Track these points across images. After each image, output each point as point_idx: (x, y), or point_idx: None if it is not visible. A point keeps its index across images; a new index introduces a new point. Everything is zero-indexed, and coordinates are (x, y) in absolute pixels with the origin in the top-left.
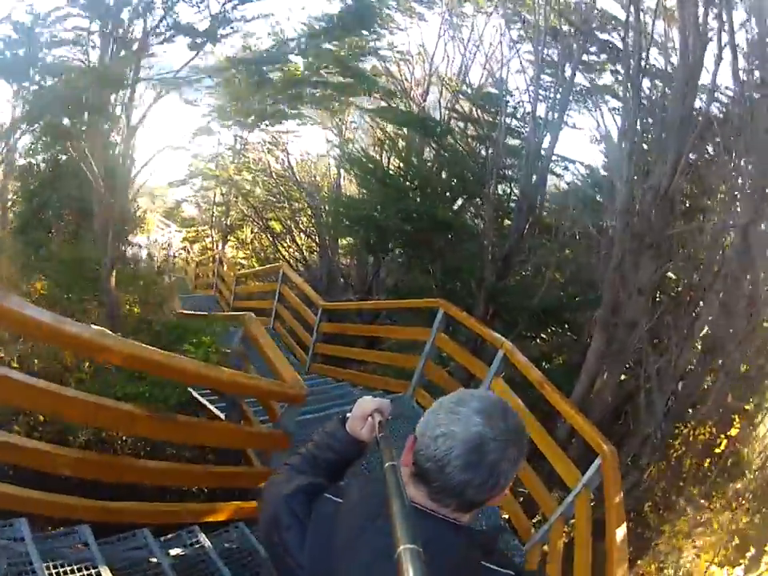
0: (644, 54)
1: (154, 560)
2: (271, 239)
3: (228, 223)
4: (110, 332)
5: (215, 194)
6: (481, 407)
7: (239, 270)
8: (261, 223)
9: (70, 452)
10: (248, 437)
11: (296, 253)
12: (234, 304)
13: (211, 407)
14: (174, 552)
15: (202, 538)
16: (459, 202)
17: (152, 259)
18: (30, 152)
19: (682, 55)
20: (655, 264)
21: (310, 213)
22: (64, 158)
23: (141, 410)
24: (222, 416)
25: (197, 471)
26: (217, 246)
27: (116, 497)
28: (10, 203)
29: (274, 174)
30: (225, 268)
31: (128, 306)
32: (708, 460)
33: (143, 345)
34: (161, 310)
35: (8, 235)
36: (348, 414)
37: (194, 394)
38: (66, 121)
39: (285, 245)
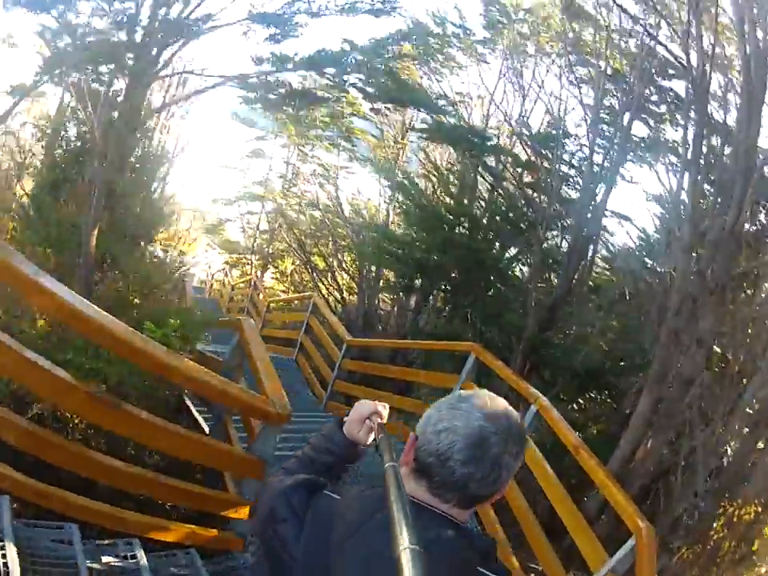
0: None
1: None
2: (311, 274)
3: (270, 251)
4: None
5: (260, 219)
6: (482, 403)
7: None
8: (303, 256)
9: (21, 421)
10: (212, 453)
11: (335, 291)
12: (262, 332)
13: (198, 417)
14: (105, 559)
15: (140, 554)
16: (509, 250)
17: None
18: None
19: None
20: (718, 312)
21: (353, 252)
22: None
23: (82, 385)
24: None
25: (150, 479)
26: (256, 272)
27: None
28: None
29: (321, 207)
30: (258, 294)
31: (121, 289)
32: (750, 543)
33: (82, 299)
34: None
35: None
36: (345, 418)
37: (187, 402)
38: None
39: (325, 281)
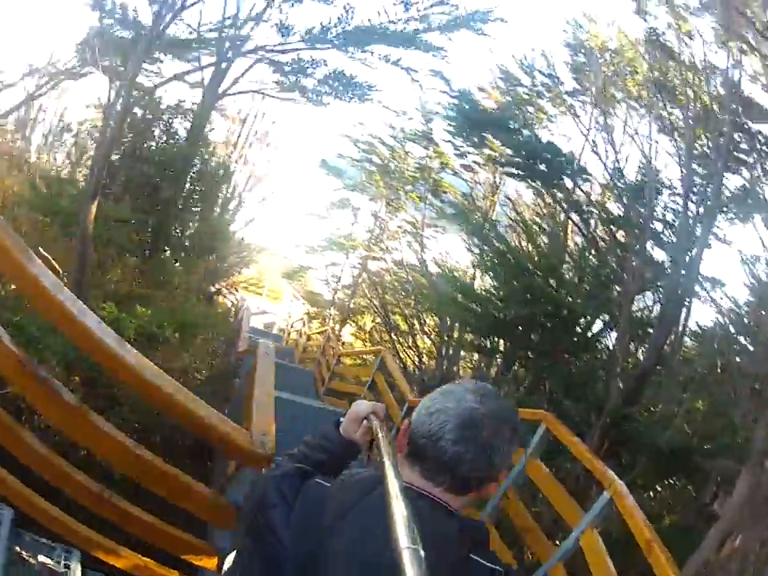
0: None
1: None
2: (390, 334)
3: (351, 306)
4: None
5: (342, 272)
6: (474, 388)
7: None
8: (384, 314)
9: None
10: (173, 487)
11: (414, 354)
12: (328, 385)
13: None
14: (37, 556)
15: (75, 565)
16: (596, 311)
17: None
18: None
19: None
20: None
21: (436, 315)
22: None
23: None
24: None
25: (98, 494)
26: (333, 325)
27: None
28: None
29: (406, 264)
30: (331, 346)
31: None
32: None
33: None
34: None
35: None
36: (341, 418)
37: None
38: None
39: (404, 343)
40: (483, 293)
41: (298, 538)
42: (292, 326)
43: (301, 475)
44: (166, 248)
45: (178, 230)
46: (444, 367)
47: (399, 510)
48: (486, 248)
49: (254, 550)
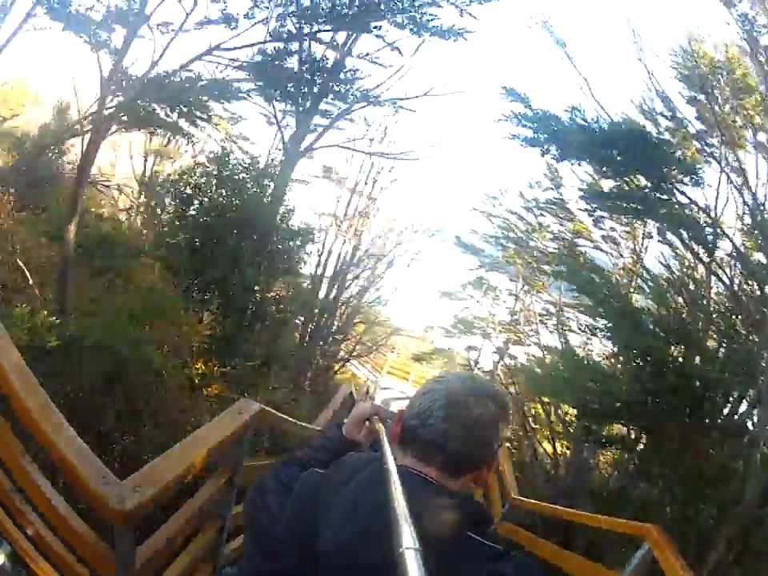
0: None
1: None
2: (526, 426)
3: None
4: None
5: (480, 355)
6: (464, 375)
7: None
8: (520, 402)
9: None
10: (63, 526)
11: (548, 444)
12: None
13: None
14: None
15: (3, 559)
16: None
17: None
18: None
19: None
20: None
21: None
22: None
23: None
24: None
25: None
26: None
27: None
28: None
29: (543, 348)
30: None
31: None
32: None
33: None
34: None
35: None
36: (345, 420)
37: None
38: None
39: (540, 431)
40: (603, 366)
41: (294, 520)
42: None
43: (300, 465)
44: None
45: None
46: (579, 460)
47: (399, 510)
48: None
49: (253, 534)
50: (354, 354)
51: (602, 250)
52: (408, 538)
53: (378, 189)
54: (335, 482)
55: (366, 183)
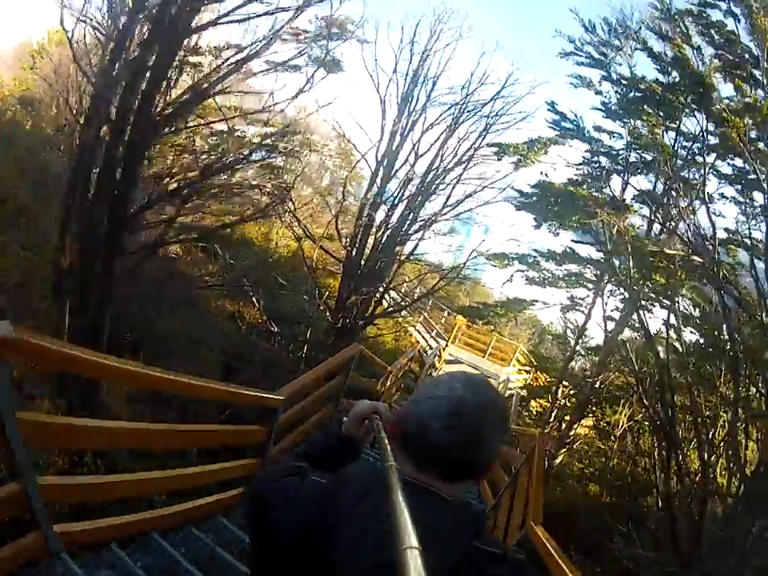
0: None
1: None
2: (659, 442)
3: (596, 384)
4: None
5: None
6: (464, 378)
7: None
8: (654, 404)
9: None
10: None
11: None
12: None
13: None
14: None
15: None
16: None
17: None
18: None
19: None
20: None
21: None
22: None
23: None
24: None
25: None
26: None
27: None
28: None
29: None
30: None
31: None
32: None
33: None
34: None
35: None
36: (344, 418)
37: None
38: None
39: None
40: None
41: (298, 537)
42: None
43: (299, 473)
44: None
45: None
46: None
47: (399, 510)
48: None
49: (257, 549)
50: (392, 309)
51: None
52: (408, 538)
53: None
54: (343, 500)
55: None
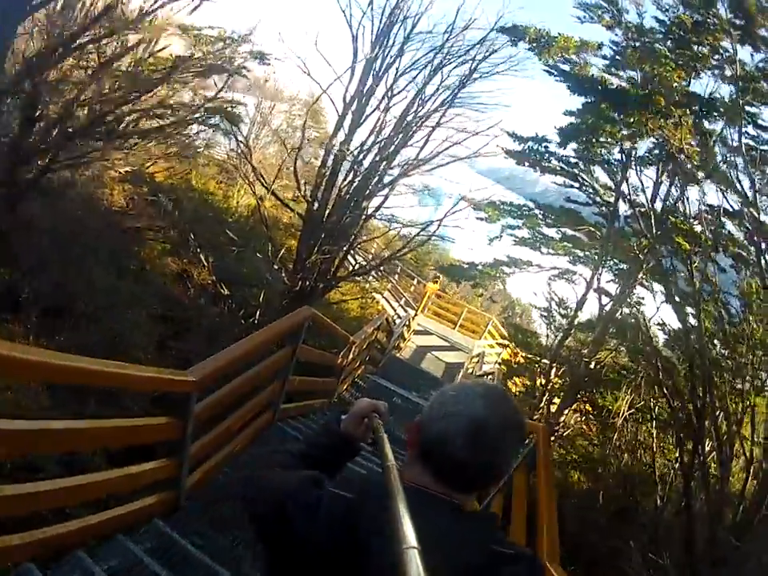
0: None
1: None
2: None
3: (589, 365)
4: None
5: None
6: (484, 392)
7: None
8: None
9: None
10: None
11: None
12: None
13: None
14: None
15: None
16: None
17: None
18: None
19: None
20: None
21: None
22: None
23: None
24: None
25: None
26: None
27: None
28: None
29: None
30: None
31: None
32: None
33: None
34: None
35: None
36: (343, 416)
37: None
38: None
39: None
40: None
41: (324, 550)
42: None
43: (315, 483)
44: None
45: None
46: None
47: (398, 510)
48: None
49: (273, 561)
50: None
51: None
52: (408, 538)
53: None
54: (374, 520)
55: None
